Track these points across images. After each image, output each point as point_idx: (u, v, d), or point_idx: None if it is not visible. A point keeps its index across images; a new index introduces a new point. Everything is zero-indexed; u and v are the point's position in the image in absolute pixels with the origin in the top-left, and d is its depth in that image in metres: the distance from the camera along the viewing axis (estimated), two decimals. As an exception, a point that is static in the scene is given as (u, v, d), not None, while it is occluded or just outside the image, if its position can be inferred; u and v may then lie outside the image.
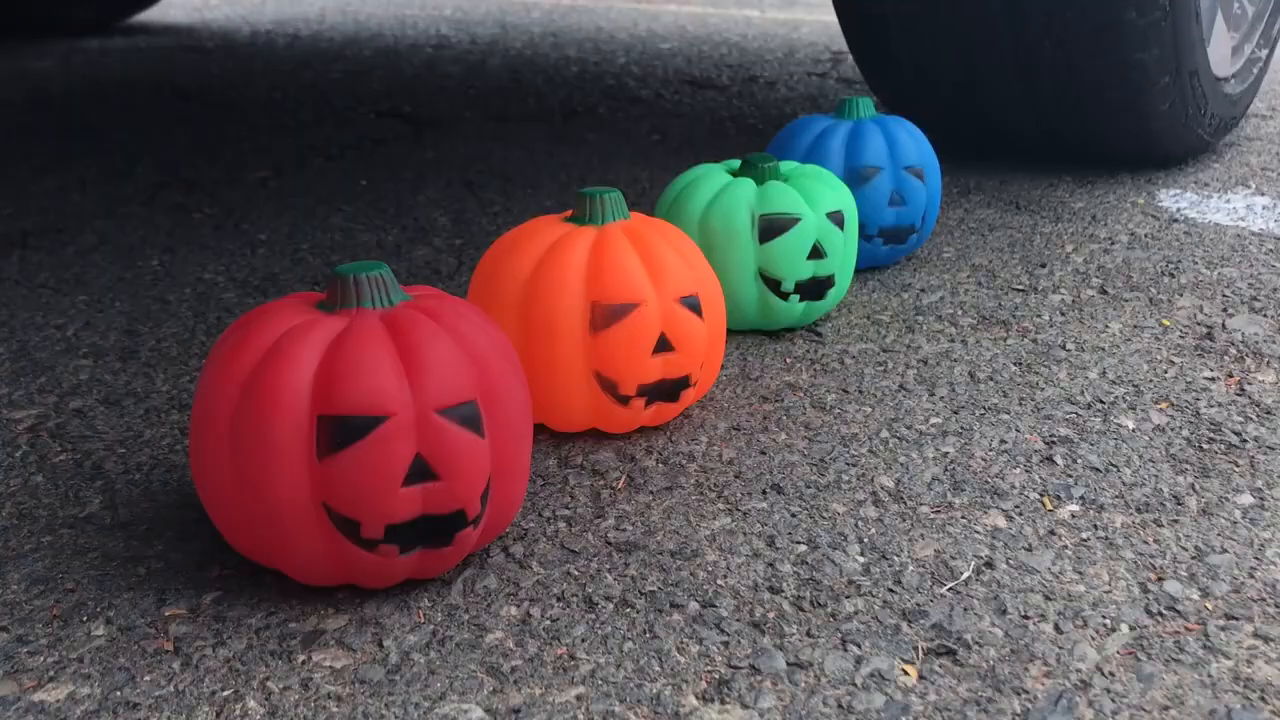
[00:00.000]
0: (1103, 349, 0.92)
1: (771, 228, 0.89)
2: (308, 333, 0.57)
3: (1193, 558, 0.64)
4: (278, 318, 0.59)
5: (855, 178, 1.03)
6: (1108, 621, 0.58)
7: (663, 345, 0.74)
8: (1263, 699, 0.53)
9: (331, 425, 0.54)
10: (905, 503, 0.70)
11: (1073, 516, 0.68)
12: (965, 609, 0.60)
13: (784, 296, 0.91)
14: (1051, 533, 0.66)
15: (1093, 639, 0.57)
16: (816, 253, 0.90)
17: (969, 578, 0.62)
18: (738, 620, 0.59)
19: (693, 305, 0.75)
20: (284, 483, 0.55)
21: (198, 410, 0.58)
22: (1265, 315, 0.97)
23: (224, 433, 0.56)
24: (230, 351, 0.57)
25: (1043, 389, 0.85)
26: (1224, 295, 1.02)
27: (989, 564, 0.63)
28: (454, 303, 0.61)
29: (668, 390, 0.75)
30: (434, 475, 0.55)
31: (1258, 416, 0.80)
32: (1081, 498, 0.70)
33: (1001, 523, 0.68)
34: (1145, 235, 1.19)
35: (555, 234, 0.76)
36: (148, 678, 0.55)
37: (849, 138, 1.04)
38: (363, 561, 0.57)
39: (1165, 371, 0.87)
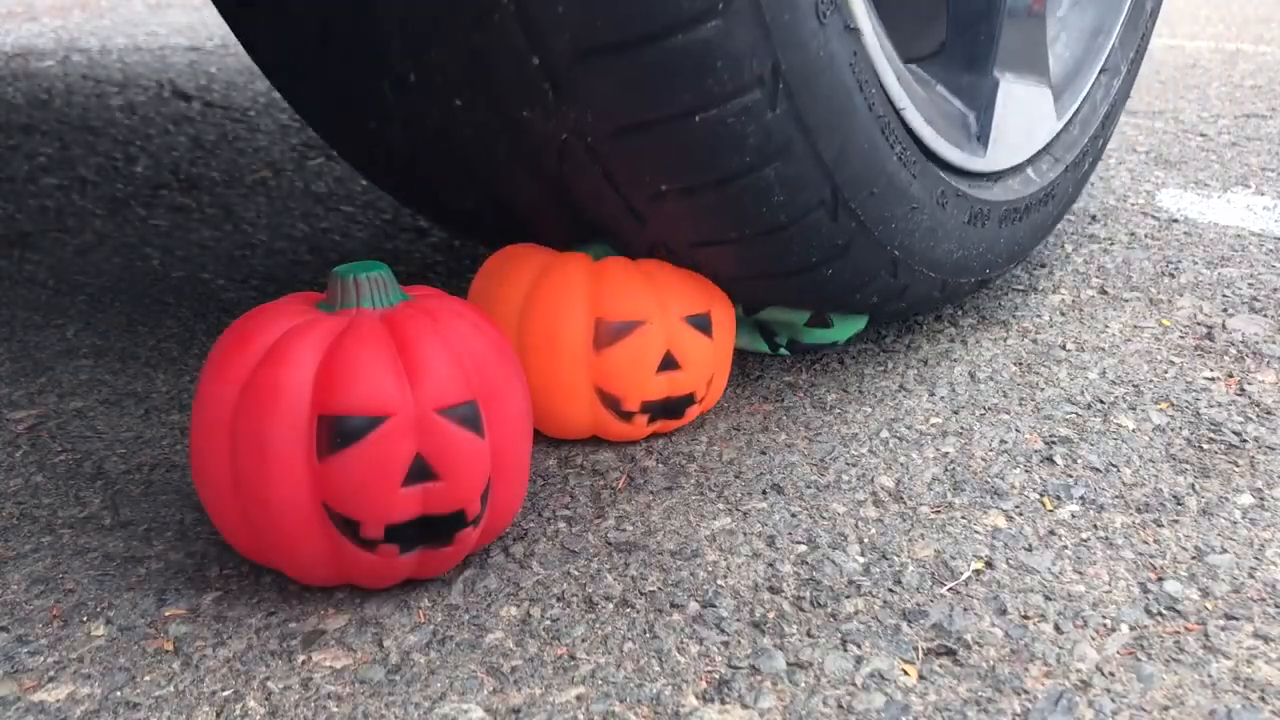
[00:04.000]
0: (1103, 349, 0.92)
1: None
2: (307, 333, 0.57)
3: (1193, 558, 0.64)
4: (277, 318, 0.59)
5: None
6: (1108, 621, 0.58)
7: (668, 363, 0.73)
8: (1263, 699, 0.53)
9: (331, 425, 0.54)
10: (905, 503, 0.70)
11: (1073, 516, 0.68)
12: (965, 609, 0.60)
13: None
14: (1051, 533, 0.66)
15: (1093, 639, 0.57)
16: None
17: (969, 578, 0.62)
18: (738, 620, 0.59)
19: (700, 324, 0.74)
20: (284, 483, 0.55)
21: (198, 410, 0.58)
22: (1265, 315, 0.97)
23: (224, 433, 0.56)
24: (230, 352, 0.57)
25: (1043, 389, 0.85)
26: (1224, 295, 1.02)
27: (989, 564, 0.63)
28: (454, 303, 0.61)
29: (672, 407, 0.75)
30: (434, 475, 0.55)
31: (1258, 416, 0.80)
32: (1081, 498, 0.70)
33: (1001, 523, 0.68)
34: (1145, 235, 1.19)
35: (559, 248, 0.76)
36: (148, 678, 0.55)
37: None
38: (363, 561, 0.57)
39: (1165, 371, 0.87)
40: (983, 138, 0.84)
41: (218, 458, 0.56)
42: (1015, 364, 0.89)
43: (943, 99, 0.84)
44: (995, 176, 0.88)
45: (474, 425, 0.56)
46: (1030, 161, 0.93)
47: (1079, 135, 1.00)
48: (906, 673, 0.55)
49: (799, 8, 0.61)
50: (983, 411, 0.81)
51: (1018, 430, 0.79)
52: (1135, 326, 0.96)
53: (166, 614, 0.59)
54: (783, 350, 0.90)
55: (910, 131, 0.74)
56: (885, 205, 0.72)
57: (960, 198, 0.80)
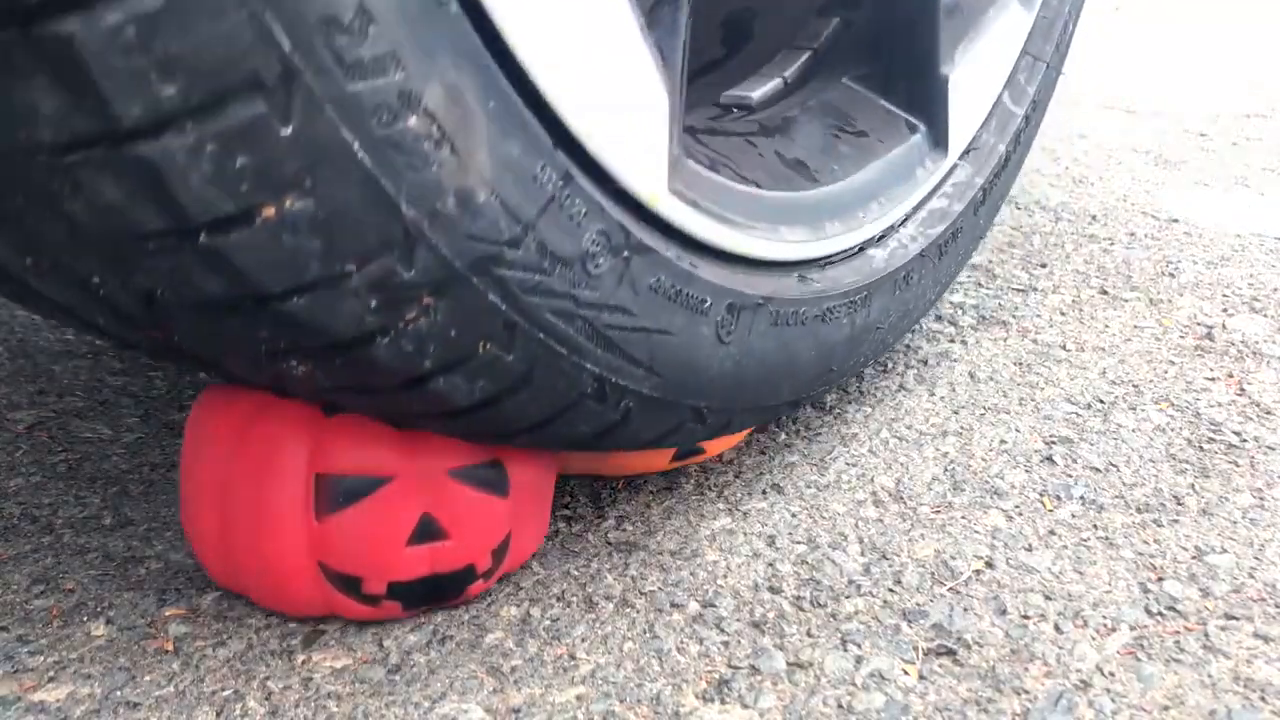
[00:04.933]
0: (1103, 349, 0.92)
1: None
2: None
3: (1193, 558, 0.64)
4: None
5: None
6: (1108, 621, 0.58)
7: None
8: (1263, 699, 0.53)
9: (331, 485, 0.52)
10: (905, 503, 0.70)
11: (1073, 516, 0.68)
12: (965, 609, 0.60)
13: None
14: (1051, 533, 0.66)
15: (1093, 639, 0.57)
16: None
17: (969, 578, 0.62)
18: (738, 620, 0.59)
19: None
20: (280, 542, 0.53)
21: (187, 459, 0.55)
22: (1265, 315, 0.97)
23: (215, 486, 0.54)
24: (222, 401, 0.55)
25: (1043, 389, 0.85)
26: (1224, 295, 1.02)
27: (989, 564, 0.63)
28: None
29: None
30: (443, 535, 0.54)
31: (1258, 416, 0.80)
32: (1081, 498, 0.70)
33: (1001, 523, 0.68)
34: (1145, 235, 1.19)
35: None
36: (148, 678, 0.55)
37: None
38: (363, 614, 0.56)
39: (1165, 371, 0.87)
40: (941, 142, 0.76)
41: (208, 510, 0.54)
42: (1015, 364, 0.89)
43: (886, 114, 0.76)
44: (966, 152, 0.79)
45: (492, 485, 0.55)
46: (1006, 85, 0.79)
47: (1059, 3, 0.82)
48: (906, 673, 0.55)
49: (698, 366, 0.56)
50: (983, 411, 0.81)
51: (1018, 430, 0.79)
52: (1135, 326, 0.96)
53: (166, 614, 0.59)
54: None
55: (863, 250, 0.69)
56: (846, 368, 0.70)
57: (921, 258, 0.74)
